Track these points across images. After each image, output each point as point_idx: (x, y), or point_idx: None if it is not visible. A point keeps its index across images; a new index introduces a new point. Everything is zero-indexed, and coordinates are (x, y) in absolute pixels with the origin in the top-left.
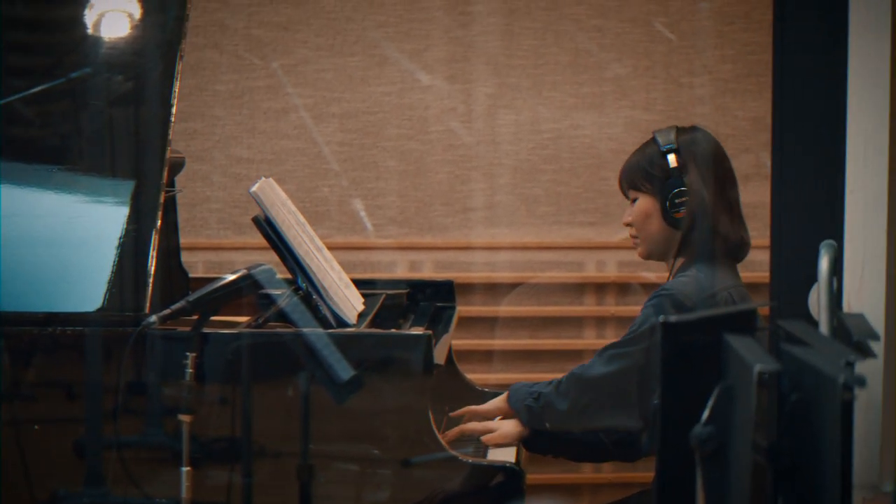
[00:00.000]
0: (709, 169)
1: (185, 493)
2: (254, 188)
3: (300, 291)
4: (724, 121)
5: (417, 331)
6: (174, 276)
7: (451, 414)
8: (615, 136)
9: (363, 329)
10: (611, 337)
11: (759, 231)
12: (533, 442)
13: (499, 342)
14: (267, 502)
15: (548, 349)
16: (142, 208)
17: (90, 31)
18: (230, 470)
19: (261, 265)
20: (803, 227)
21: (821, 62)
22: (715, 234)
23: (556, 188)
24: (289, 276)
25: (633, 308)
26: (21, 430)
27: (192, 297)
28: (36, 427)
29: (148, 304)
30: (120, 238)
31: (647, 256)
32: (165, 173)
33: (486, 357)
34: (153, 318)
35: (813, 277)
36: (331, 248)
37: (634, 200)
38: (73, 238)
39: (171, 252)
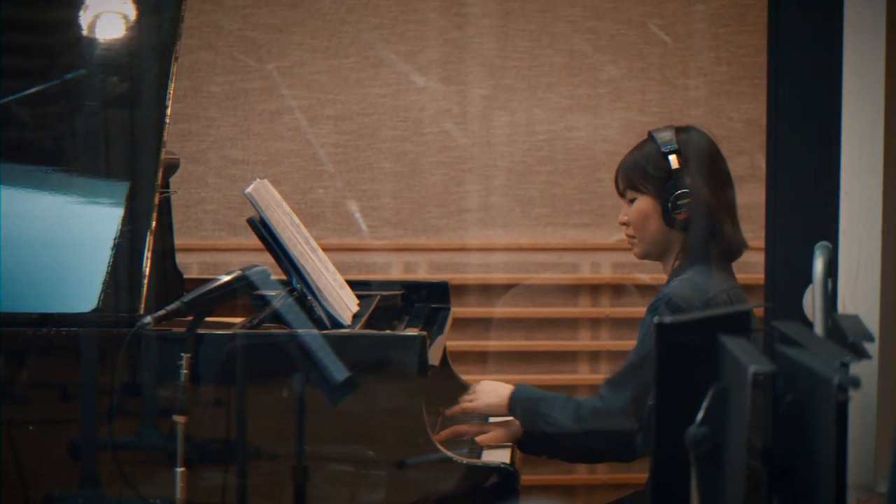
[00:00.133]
0: (708, 170)
1: (179, 493)
2: (248, 189)
3: (295, 292)
4: (718, 123)
5: (412, 332)
6: (169, 277)
7: (448, 412)
8: (610, 138)
9: (358, 330)
10: (605, 338)
11: (753, 232)
12: (527, 443)
13: (493, 343)
14: (261, 503)
15: (542, 350)
16: (137, 209)
17: (85, 32)
18: (225, 471)
19: (255, 266)
20: (798, 228)
21: (815, 64)
22: (714, 235)
23: (550, 190)
24: (283, 277)
25: (628, 309)
26: (16, 430)
27: (187, 298)
28: (31, 428)
29: (143, 305)
30: (115, 239)
31: (644, 257)
32: (160, 174)
33: (480, 358)
34: (148, 318)
35: (808, 279)
36: (325, 249)
37: (632, 200)
38: (67, 239)
39: (165, 253)
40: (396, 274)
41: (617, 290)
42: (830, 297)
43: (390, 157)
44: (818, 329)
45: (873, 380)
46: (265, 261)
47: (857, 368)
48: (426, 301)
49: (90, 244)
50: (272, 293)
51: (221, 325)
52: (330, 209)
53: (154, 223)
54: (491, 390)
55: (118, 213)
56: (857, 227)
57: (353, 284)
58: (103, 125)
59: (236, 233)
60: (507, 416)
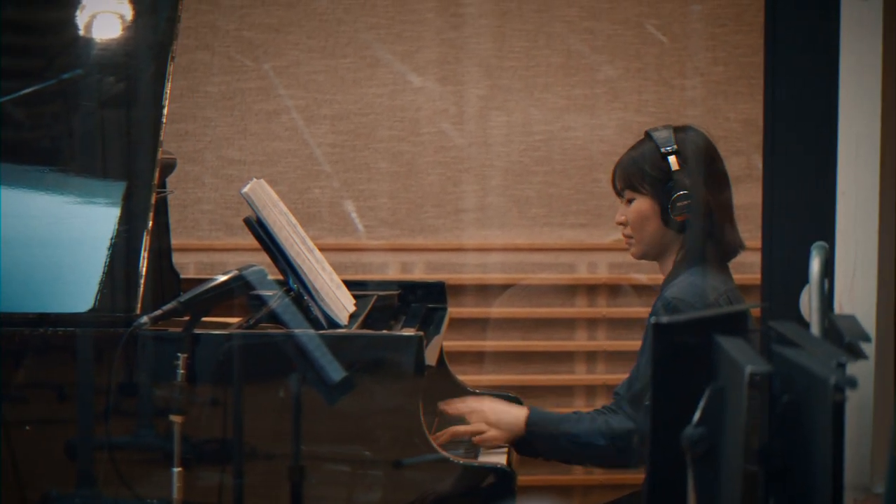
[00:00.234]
0: (706, 170)
1: (176, 493)
2: (245, 189)
3: (291, 292)
4: (715, 123)
5: (409, 332)
6: (165, 277)
7: (445, 407)
8: (607, 138)
9: (354, 330)
10: (602, 338)
11: (750, 233)
12: (523, 445)
13: (490, 343)
14: (258, 503)
15: (539, 350)
16: (133, 209)
17: (82, 32)
18: (221, 471)
19: (252, 266)
20: (795, 228)
21: (812, 64)
22: (712, 235)
23: (547, 190)
24: (280, 277)
25: (625, 309)
26: (13, 430)
27: (184, 297)
28: (28, 428)
29: (139, 305)
30: (111, 239)
31: (641, 257)
32: (157, 174)
33: (477, 358)
34: (144, 318)
35: (804, 279)
36: (322, 249)
37: (630, 200)
38: (64, 239)
39: (162, 253)
40: (393, 274)
41: (614, 290)
42: (827, 298)
43: (387, 157)
44: (815, 329)
45: (870, 380)
46: (262, 261)
47: (854, 369)
48: (423, 301)
49: (87, 244)
50: (269, 293)
51: (218, 325)
52: (326, 209)
53: (151, 223)
54: (503, 411)
55: (115, 212)
56: (854, 228)
57: (350, 284)
58: (100, 125)
59: (233, 233)
60: (521, 436)
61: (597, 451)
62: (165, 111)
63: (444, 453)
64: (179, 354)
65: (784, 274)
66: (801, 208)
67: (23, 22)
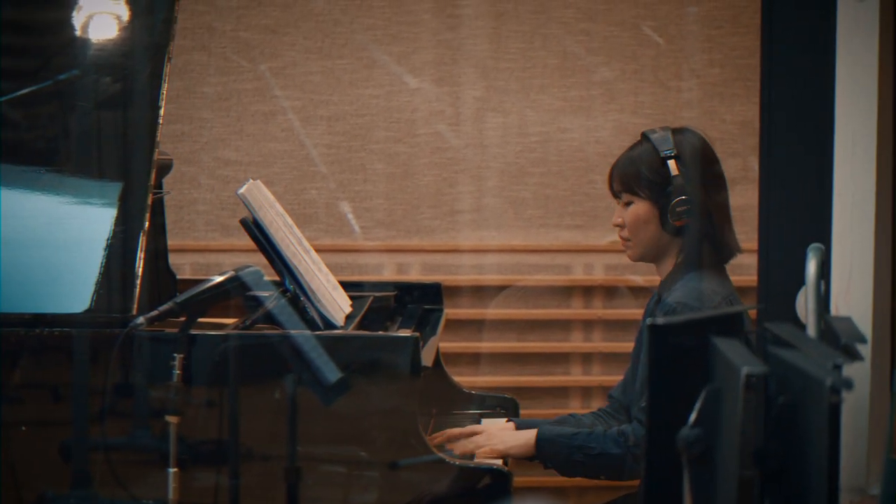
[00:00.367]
0: (705, 173)
1: (171, 494)
2: (241, 190)
3: (288, 293)
4: (711, 124)
5: (405, 333)
6: (161, 277)
7: (457, 450)
8: (603, 140)
9: (351, 331)
10: (598, 340)
11: (746, 234)
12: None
13: (486, 345)
14: None
15: (535, 352)
16: (129, 210)
17: (78, 33)
18: (217, 472)
19: (248, 267)
20: (791, 230)
21: (808, 66)
22: (710, 239)
23: (543, 191)
24: (276, 277)
25: (621, 311)
26: (8, 431)
27: (180, 298)
28: (23, 428)
29: (135, 306)
30: (108, 239)
31: (639, 259)
32: (153, 175)
33: (473, 360)
34: (140, 319)
35: (800, 280)
36: (318, 250)
37: (628, 204)
38: (60, 239)
39: (158, 254)
40: (389, 275)
41: (610, 291)
42: (823, 299)
43: (383, 159)
44: (811, 331)
45: (866, 381)
46: (258, 262)
47: (850, 370)
48: (419, 302)
49: (83, 244)
50: (265, 294)
51: (214, 325)
52: (323, 210)
53: (147, 224)
54: (511, 433)
55: (111, 213)
56: (850, 229)
57: (346, 285)
58: (96, 126)
59: (229, 233)
60: (531, 457)
61: (611, 460)
62: (162, 112)
63: (440, 454)
64: (175, 355)
65: (780, 275)
66: (798, 210)
67: (19, 22)
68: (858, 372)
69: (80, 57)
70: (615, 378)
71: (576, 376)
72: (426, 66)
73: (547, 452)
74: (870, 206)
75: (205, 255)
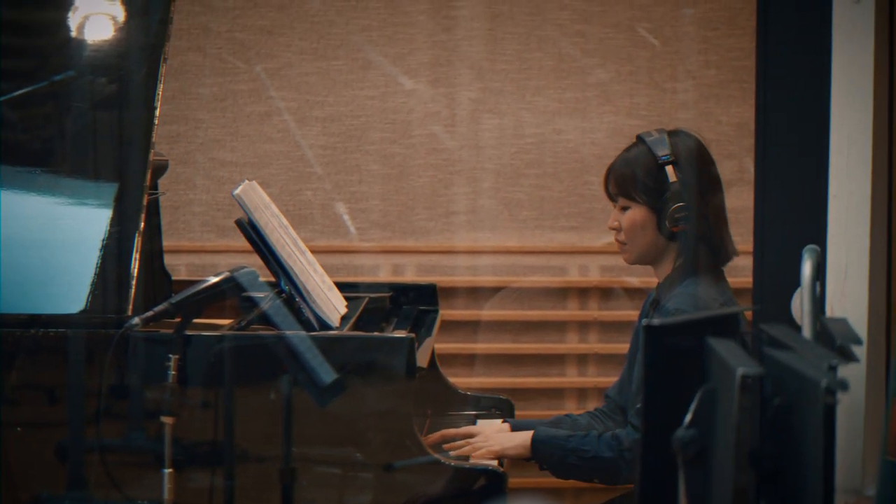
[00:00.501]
0: (702, 178)
1: (167, 495)
2: (237, 191)
3: (283, 294)
4: (707, 126)
5: (400, 334)
6: (157, 278)
7: (454, 452)
8: (598, 141)
9: (346, 332)
10: (593, 341)
11: (742, 236)
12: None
13: (481, 346)
14: None
15: (530, 353)
16: (125, 210)
17: (74, 34)
18: (212, 473)
19: (244, 268)
20: (786, 231)
21: (804, 68)
22: (707, 242)
23: (538, 193)
24: (272, 278)
25: (616, 313)
26: (4, 432)
27: (175, 299)
28: (19, 429)
29: (131, 307)
30: (103, 240)
31: (635, 263)
32: (149, 176)
33: (468, 361)
34: (136, 320)
35: (796, 282)
36: (314, 251)
37: (624, 208)
38: (56, 240)
39: (154, 254)
40: (384, 276)
41: (605, 293)
42: (818, 301)
43: (378, 160)
44: (806, 332)
45: (861, 383)
46: (253, 262)
47: (845, 371)
48: (414, 303)
49: (78, 245)
50: (260, 295)
51: (209, 326)
52: (318, 211)
53: (142, 224)
54: (508, 434)
55: (106, 214)
56: (846, 231)
57: (342, 286)
58: (92, 126)
59: (224, 234)
60: (526, 458)
61: (604, 463)
62: (157, 113)
63: (436, 455)
64: (171, 356)
65: (776, 277)
66: (793, 211)
67: (15, 23)
68: (854, 373)
69: (76, 58)
70: (610, 379)
71: (571, 377)
72: (422, 68)
73: (542, 454)
74: (865, 208)
75: (200, 255)
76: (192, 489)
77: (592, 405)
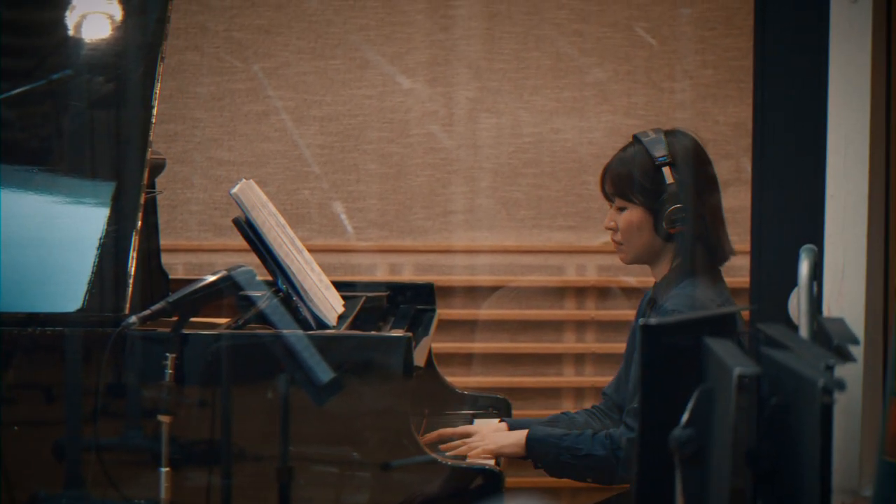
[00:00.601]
0: (699, 178)
1: (164, 494)
2: (234, 190)
3: (280, 293)
4: (704, 126)
5: (397, 333)
6: (154, 277)
7: (450, 451)
8: (596, 141)
9: (343, 331)
10: (590, 341)
11: (739, 236)
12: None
13: (479, 345)
14: None
15: (528, 353)
16: (122, 209)
17: (71, 32)
18: (209, 472)
19: (241, 267)
20: (784, 231)
21: (801, 68)
22: (705, 243)
23: (536, 192)
24: (269, 277)
25: (614, 312)
26: (0, 431)
27: (172, 298)
28: (15, 428)
29: (128, 305)
30: (100, 239)
31: (631, 262)
32: (146, 175)
33: (466, 360)
34: (133, 318)
35: (793, 281)
36: (311, 250)
37: (621, 209)
38: (53, 238)
39: (151, 253)
40: (382, 275)
41: (602, 292)
42: (816, 300)
43: (376, 159)
44: (803, 332)
45: (858, 383)
46: (251, 261)
47: (842, 371)
48: (411, 302)
49: (76, 244)
50: (257, 294)
51: (207, 325)
52: (316, 210)
53: (140, 223)
54: (503, 432)
55: (104, 212)
56: (843, 231)
57: (339, 286)
58: (89, 125)
59: (222, 233)
60: (522, 456)
61: (597, 462)
62: (155, 112)
63: (433, 454)
64: (168, 355)
65: (773, 276)
66: (790, 211)
67: (12, 22)
68: (851, 373)
69: (73, 56)
70: (608, 379)
71: (568, 377)
72: (419, 67)
73: (537, 452)
74: (862, 208)
75: (197, 254)
76: (189, 488)
77: (590, 405)
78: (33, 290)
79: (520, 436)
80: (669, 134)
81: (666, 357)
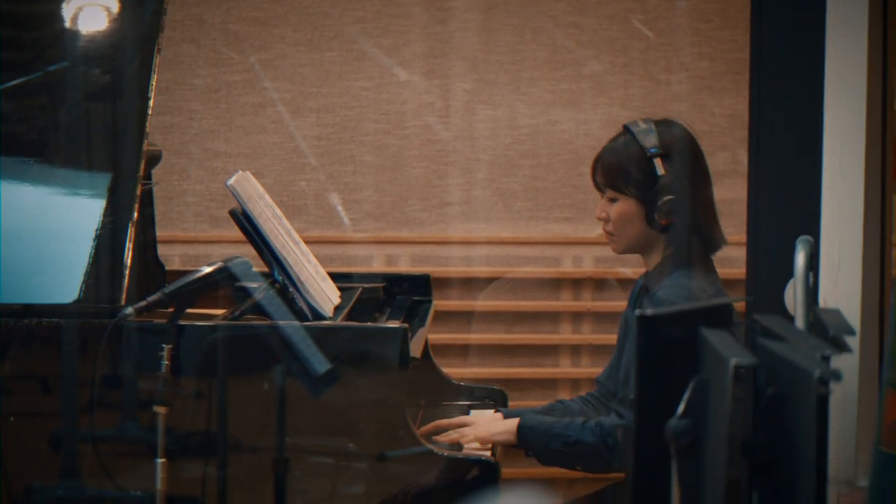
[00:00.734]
0: (691, 168)
1: (159, 485)
2: (231, 181)
3: (277, 284)
4: (701, 118)
5: (394, 324)
6: (150, 268)
7: (443, 439)
8: (592, 133)
9: (339, 322)
10: (587, 332)
11: (735, 228)
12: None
13: (475, 336)
14: (242, 495)
15: (524, 344)
16: (118, 201)
17: (68, 24)
18: (205, 463)
19: (237, 258)
20: (780, 223)
21: (798, 60)
22: (698, 233)
23: (533, 184)
24: (265, 269)
25: (610, 303)
26: None
27: (169, 289)
28: (11, 419)
29: (124, 296)
30: (96, 230)
31: (623, 252)
32: (142, 166)
33: (462, 351)
34: (129, 309)
35: (789, 273)
36: (307, 241)
37: (613, 199)
38: (49, 230)
39: (147, 245)
40: (378, 266)
41: (599, 283)
42: (812, 291)
43: (373, 151)
44: (799, 323)
45: (854, 373)
46: (247, 253)
47: (838, 362)
48: (408, 294)
49: (72, 235)
50: (254, 285)
51: (203, 316)
52: (312, 201)
53: (136, 214)
54: (495, 420)
55: (100, 204)
56: (839, 222)
57: (335, 277)
58: (86, 117)
59: (218, 225)
60: (514, 444)
61: (587, 448)
62: (151, 103)
63: (429, 445)
64: (164, 346)
65: (769, 268)
66: (787, 203)
67: (8, 14)
68: (847, 364)
69: (69, 48)
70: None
71: (565, 368)
72: (416, 59)
73: (528, 440)
74: (859, 199)
75: (194, 246)
76: (185, 479)
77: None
78: (30, 282)
79: (511, 424)
80: (660, 123)
81: (662, 348)
